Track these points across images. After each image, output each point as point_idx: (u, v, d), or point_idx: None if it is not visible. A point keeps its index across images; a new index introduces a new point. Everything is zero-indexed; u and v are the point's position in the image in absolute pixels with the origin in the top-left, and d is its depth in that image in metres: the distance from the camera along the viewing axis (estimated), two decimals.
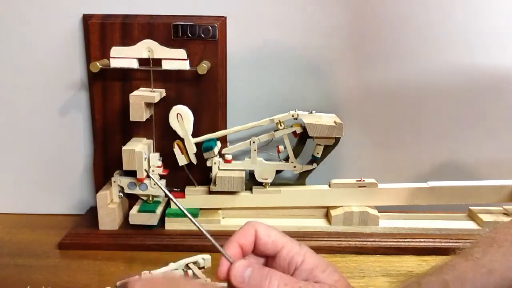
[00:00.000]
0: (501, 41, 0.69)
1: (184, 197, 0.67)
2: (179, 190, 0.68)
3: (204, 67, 0.63)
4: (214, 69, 0.66)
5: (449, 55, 0.70)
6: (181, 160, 0.65)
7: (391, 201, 0.68)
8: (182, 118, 0.64)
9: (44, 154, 0.73)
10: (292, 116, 0.65)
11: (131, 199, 0.69)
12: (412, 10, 0.68)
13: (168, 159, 0.66)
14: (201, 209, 0.68)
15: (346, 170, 0.71)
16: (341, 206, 0.67)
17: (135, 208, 0.67)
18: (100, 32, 0.65)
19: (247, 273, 0.32)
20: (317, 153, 0.66)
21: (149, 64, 0.64)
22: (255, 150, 0.66)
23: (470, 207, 0.71)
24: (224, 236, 0.64)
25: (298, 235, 0.65)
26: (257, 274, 0.32)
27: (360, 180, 0.67)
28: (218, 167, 0.66)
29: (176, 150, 0.65)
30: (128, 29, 0.65)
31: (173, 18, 0.65)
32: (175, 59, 0.63)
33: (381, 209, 0.68)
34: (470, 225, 0.68)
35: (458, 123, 0.73)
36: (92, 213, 0.70)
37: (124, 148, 0.63)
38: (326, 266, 0.35)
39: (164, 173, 0.66)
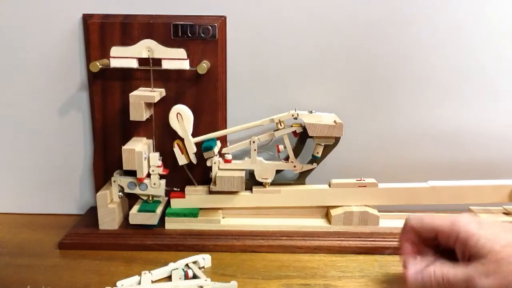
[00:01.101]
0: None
1: (184, 197, 0.67)
2: (179, 190, 0.68)
3: (204, 66, 0.63)
4: (214, 69, 0.66)
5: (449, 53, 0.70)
6: (181, 160, 0.65)
7: (391, 201, 0.68)
8: (182, 118, 0.64)
9: (44, 154, 0.73)
10: (292, 115, 0.65)
11: (131, 199, 0.69)
12: None
13: (168, 159, 0.66)
14: (201, 209, 0.68)
15: (346, 170, 0.71)
16: (341, 206, 0.67)
17: (135, 208, 0.67)
18: (100, 32, 0.65)
19: (417, 276, 0.45)
20: (317, 152, 0.66)
21: (149, 64, 0.64)
22: (255, 150, 0.66)
23: (470, 207, 0.71)
24: (224, 235, 0.65)
25: (298, 235, 0.65)
26: (422, 275, 0.45)
27: (360, 180, 0.67)
28: (218, 167, 0.66)
29: (176, 150, 0.65)
30: (128, 29, 0.65)
31: (173, 18, 0.65)
32: (175, 58, 0.63)
33: (381, 209, 0.68)
34: None
35: (458, 123, 0.73)
36: (92, 213, 0.70)
37: (124, 147, 0.63)
38: (481, 236, 0.42)
39: (164, 173, 0.66)
